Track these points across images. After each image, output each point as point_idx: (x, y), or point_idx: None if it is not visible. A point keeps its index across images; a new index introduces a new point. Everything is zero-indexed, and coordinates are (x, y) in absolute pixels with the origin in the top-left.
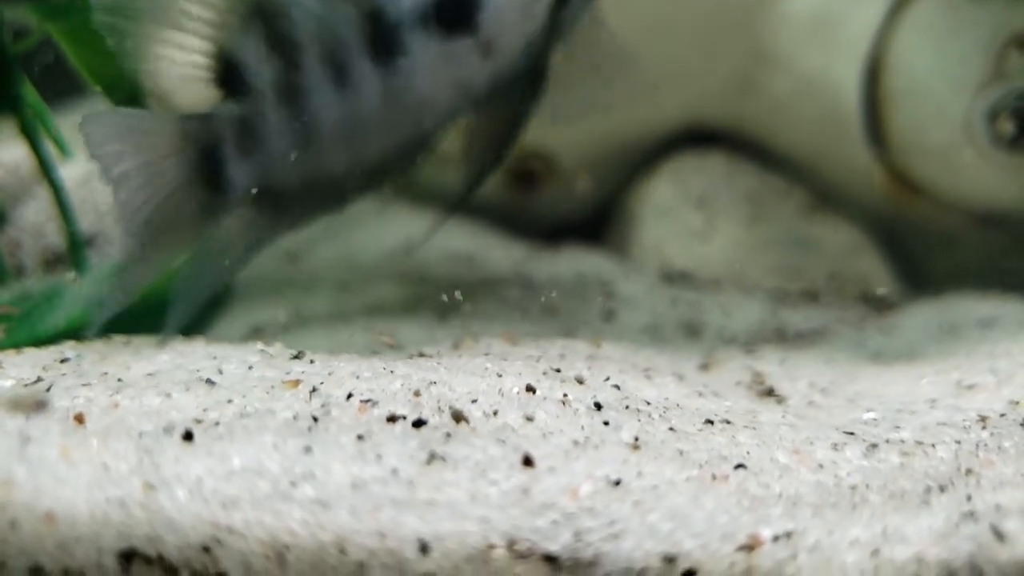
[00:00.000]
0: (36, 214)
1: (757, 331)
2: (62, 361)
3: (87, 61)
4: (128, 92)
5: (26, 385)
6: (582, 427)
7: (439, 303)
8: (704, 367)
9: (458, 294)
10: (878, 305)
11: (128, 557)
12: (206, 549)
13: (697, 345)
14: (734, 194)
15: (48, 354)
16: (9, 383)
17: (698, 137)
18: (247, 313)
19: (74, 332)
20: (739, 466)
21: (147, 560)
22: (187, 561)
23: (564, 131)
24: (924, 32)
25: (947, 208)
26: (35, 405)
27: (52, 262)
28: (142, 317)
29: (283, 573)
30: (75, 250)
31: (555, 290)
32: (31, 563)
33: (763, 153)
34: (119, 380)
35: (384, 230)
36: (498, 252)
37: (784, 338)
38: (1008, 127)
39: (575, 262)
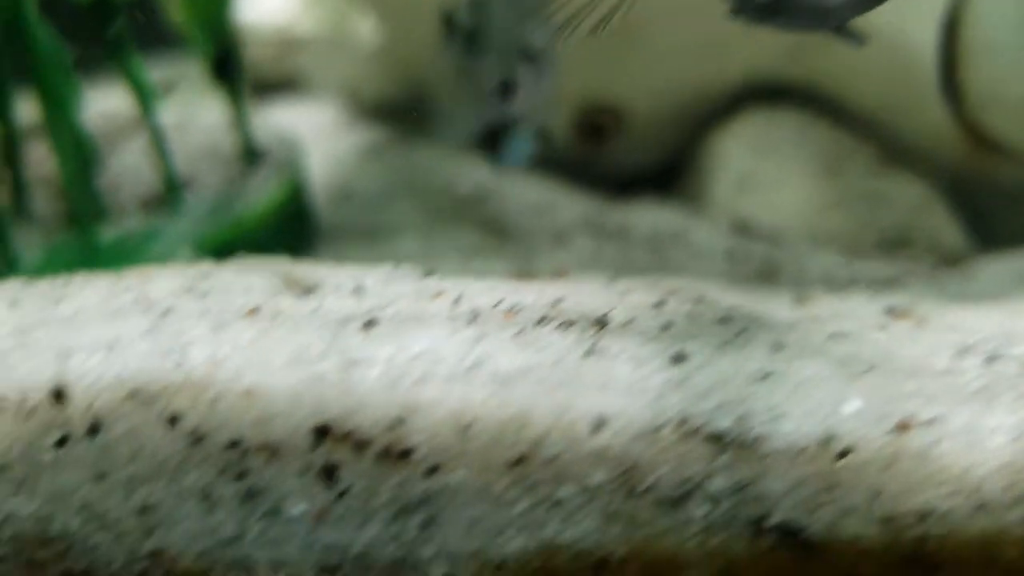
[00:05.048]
0: (134, 157)
1: (832, 280)
2: (205, 278)
3: (187, 11)
4: (224, 43)
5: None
6: (721, 335)
7: (519, 253)
8: (799, 301)
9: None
10: (948, 259)
11: (322, 432)
12: (394, 425)
13: (779, 289)
14: (805, 149)
15: (192, 270)
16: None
17: (768, 92)
18: (336, 254)
19: None
20: (871, 368)
21: (340, 436)
22: (377, 436)
23: (633, 85)
24: None
25: (1022, 164)
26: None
27: (149, 203)
28: (261, 240)
29: (466, 447)
30: (172, 191)
31: (630, 242)
32: (231, 437)
33: (834, 109)
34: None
35: (458, 177)
36: (571, 204)
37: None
38: None
39: (647, 215)
